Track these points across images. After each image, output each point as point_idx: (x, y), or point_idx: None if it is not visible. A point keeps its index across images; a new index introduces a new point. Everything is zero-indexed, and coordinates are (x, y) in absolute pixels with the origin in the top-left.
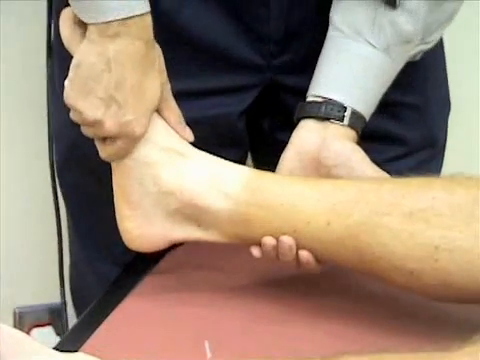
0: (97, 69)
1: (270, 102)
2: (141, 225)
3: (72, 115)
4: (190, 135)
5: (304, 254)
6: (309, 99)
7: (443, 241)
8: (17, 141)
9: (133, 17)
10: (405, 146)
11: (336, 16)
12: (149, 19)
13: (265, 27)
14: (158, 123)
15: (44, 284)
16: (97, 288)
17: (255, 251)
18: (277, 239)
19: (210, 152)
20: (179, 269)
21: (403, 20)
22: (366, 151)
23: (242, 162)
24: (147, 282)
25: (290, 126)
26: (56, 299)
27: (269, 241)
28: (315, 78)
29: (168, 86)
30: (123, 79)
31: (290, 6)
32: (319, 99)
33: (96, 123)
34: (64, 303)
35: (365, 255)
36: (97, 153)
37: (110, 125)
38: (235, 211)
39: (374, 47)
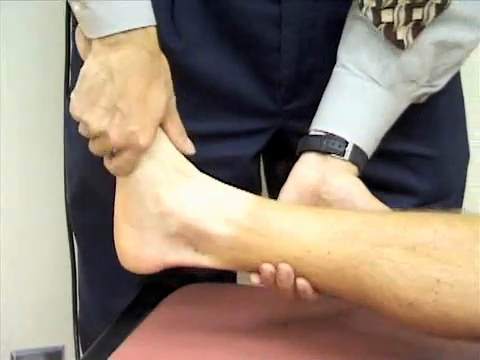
0: (100, 79)
1: (282, 147)
2: (138, 245)
3: (80, 129)
4: (191, 148)
5: (301, 282)
6: (311, 133)
7: (444, 274)
8: (35, 178)
9: (134, 29)
10: (417, 197)
11: (342, 53)
12: (153, 31)
13: (277, 73)
14: (164, 142)
15: (41, 328)
16: (104, 327)
17: (254, 278)
18: (276, 266)
19: None
20: (178, 312)
21: (408, 60)
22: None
23: None
24: (146, 325)
25: None
26: (53, 343)
27: (268, 268)
28: (318, 113)
29: (173, 99)
30: (126, 89)
31: (302, 53)
32: (321, 133)
33: (101, 134)
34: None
35: (365, 285)
36: (107, 191)
37: (115, 135)
38: (235, 236)
39: (379, 85)
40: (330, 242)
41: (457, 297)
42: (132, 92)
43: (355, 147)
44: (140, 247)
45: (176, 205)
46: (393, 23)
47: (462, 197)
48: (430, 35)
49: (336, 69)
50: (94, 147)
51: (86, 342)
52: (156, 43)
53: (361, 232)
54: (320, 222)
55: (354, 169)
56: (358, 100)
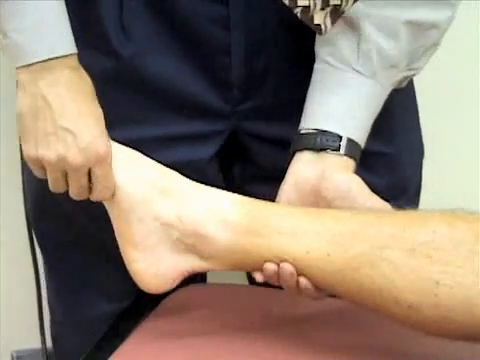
0: (37, 109)
1: (238, 149)
2: (151, 265)
3: (39, 173)
4: None
5: (303, 281)
6: (302, 132)
7: (443, 276)
8: None
9: (54, 58)
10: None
11: (320, 49)
12: (74, 57)
13: (227, 74)
14: (148, 162)
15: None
16: (75, 335)
17: (258, 276)
18: (278, 265)
19: None
20: (177, 313)
21: (386, 45)
22: None
23: None
24: (146, 325)
25: (259, 179)
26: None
27: (270, 267)
28: (306, 111)
29: None
30: (65, 108)
31: (251, 54)
32: (312, 131)
33: (60, 160)
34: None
35: (365, 286)
36: (66, 199)
37: (73, 156)
38: (234, 238)
39: (362, 74)
40: (329, 244)
41: (457, 299)
42: (72, 109)
43: (349, 140)
44: (154, 266)
45: (174, 214)
46: (309, 7)
47: (419, 193)
48: (402, 16)
49: (317, 65)
50: (73, 191)
51: (59, 347)
52: (75, 59)
53: (360, 233)
54: (318, 224)
55: (351, 163)
56: (345, 93)
